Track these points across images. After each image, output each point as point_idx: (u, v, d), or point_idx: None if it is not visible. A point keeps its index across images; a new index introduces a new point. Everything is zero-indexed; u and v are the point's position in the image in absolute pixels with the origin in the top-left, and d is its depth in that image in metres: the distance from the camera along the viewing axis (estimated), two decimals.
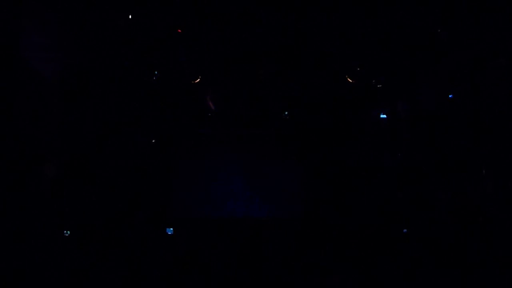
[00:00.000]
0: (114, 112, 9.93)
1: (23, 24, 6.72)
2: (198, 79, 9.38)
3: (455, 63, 8.33)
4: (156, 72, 9.02)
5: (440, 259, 6.89)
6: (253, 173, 11.72)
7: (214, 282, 6.01)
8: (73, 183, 8.55)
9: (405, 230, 9.40)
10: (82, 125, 9.06)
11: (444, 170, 8.76)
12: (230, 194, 11.52)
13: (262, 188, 11.61)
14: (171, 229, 9.80)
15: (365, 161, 10.84)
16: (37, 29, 7.21)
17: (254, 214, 11.40)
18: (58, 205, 7.67)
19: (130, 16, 7.61)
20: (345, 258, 8.37)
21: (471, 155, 7.94)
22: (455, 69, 8.36)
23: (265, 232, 10.48)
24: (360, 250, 8.85)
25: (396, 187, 10.07)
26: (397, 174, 10.19)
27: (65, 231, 8.35)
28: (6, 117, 6.35)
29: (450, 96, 8.64)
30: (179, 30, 8.13)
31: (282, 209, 11.45)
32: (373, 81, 9.59)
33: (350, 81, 9.42)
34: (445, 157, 8.70)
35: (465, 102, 8.20)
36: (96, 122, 9.50)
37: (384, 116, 10.35)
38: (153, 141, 10.56)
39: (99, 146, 9.51)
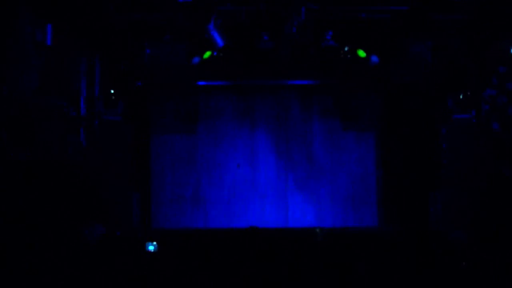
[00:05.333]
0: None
1: None
2: None
3: None
4: None
5: None
6: (292, 158, 10.21)
7: None
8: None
9: None
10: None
11: None
12: (254, 192, 10.13)
13: (306, 183, 10.16)
14: (154, 243, 7.91)
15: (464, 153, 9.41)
16: None
17: (294, 223, 10.13)
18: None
19: None
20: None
21: None
22: None
23: (315, 249, 7.77)
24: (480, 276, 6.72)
25: None
26: None
27: None
28: None
29: None
30: None
31: (341, 216, 9.95)
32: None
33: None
34: None
35: None
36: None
37: (493, 92, 9.09)
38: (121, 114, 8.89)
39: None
